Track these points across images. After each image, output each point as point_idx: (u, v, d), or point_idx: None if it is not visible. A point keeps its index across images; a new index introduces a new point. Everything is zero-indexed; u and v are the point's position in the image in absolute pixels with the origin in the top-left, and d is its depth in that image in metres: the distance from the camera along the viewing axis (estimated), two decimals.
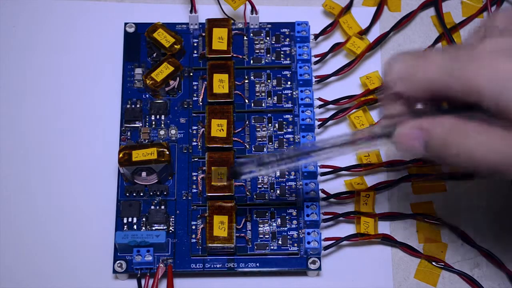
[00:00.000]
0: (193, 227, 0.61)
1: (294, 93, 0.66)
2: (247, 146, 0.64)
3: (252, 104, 0.66)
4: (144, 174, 0.61)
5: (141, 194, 0.62)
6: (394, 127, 0.49)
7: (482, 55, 0.45)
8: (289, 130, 0.64)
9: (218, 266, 0.60)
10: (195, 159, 0.64)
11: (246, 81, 0.66)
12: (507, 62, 0.44)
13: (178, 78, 0.65)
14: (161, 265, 0.60)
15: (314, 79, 0.66)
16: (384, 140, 0.50)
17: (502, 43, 0.45)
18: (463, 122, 0.47)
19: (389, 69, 0.49)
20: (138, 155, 0.61)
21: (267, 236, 0.61)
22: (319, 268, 0.60)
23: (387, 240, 0.61)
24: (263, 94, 0.66)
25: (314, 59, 0.67)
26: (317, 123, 0.64)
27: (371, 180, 0.64)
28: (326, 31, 0.68)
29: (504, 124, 0.45)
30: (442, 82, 0.46)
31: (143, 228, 0.61)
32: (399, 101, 0.49)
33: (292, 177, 0.63)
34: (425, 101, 0.49)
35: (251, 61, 0.67)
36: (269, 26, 0.69)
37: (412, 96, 0.48)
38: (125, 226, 0.61)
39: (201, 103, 0.65)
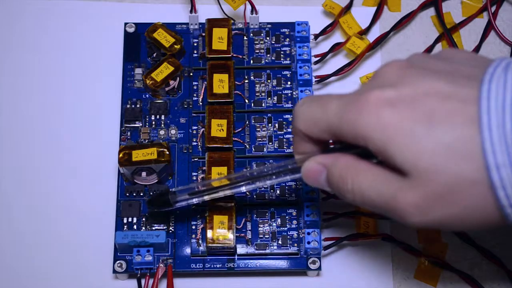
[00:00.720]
0: (193, 227, 0.61)
1: (294, 93, 0.66)
2: (247, 146, 0.64)
3: (252, 104, 0.66)
4: (144, 174, 0.61)
5: (141, 194, 0.62)
6: (302, 163, 0.52)
7: (369, 102, 0.47)
8: (289, 130, 0.64)
9: (218, 266, 0.60)
10: (195, 159, 0.64)
11: (246, 81, 0.66)
12: (390, 113, 0.46)
13: (178, 78, 0.65)
14: (161, 265, 0.60)
15: (314, 79, 0.66)
16: (293, 175, 0.54)
17: (388, 93, 0.47)
18: (358, 160, 0.49)
19: (296, 113, 0.52)
20: (138, 155, 0.61)
21: (267, 236, 0.61)
22: (319, 268, 0.60)
23: (387, 240, 0.62)
24: (263, 94, 0.66)
25: (314, 59, 0.67)
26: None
27: None
28: (326, 31, 0.68)
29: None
30: (336, 126, 0.49)
31: (143, 228, 0.61)
32: (306, 140, 0.52)
33: None
34: (332, 140, 0.52)
35: (251, 61, 0.67)
36: (269, 26, 0.69)
37: (315, 136, 0.51)
38: (125, 226, 0.61)
39: (201, 103, 0.65)
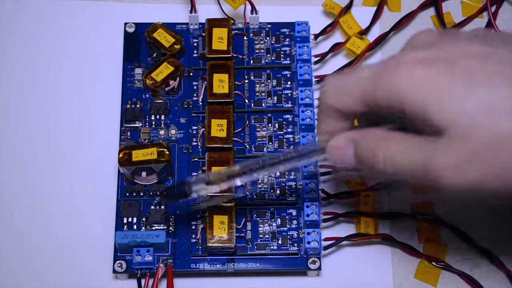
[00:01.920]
0: (193, 227, 0.61)
1: (294, 93, 0.66)
2: (247, 146, 0.64)
3: (252, 104, 0.66)
4: (144, 174, 0.61)
5: (141, 194, 0.62)
6: (327, 142, 0.52)
7: (403, 64, 0.47)
8: (289, 130, 0.64)
9: (218, 266, 0.60)
10: (195, 159, 0.64)
11: (246, 81, 0.66)
12: (426, 72, 0.46)
13: (178, 78, 0.65)
14: (161, 265, 0.60)
15: (314, 79, 0.66)
16: (319, 155, 0.53)
17: (422, 53, 0.47)
18: (387, 132, 0.49)
19: (325, 84, 0.52)
20: (138, 155, 0.61)
21: (267, 236, 0.61)
22: (319, 268, 0.60)
23: (387, 240, 0.62)
24: (263, 94, 0.66)
25: (314, 59, 0.67)
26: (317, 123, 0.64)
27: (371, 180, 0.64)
28: (326, 31, 0.68)
29: (428, 133, 0.47)
30: (369, 92, 0.48)
31: (143, 228, 0.61)
32: (334, 116, 0.52)
33: (292, 177, 0.63)
34: (359, 116, 0.52)
35: (251, 61, 0.67)
36: (269, 26, 0.69)
37: (346, 109, 0.51)
38: (125, 226, 0.61)
39: (201, 103, 0.65)
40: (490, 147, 0.45)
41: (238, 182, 0.56)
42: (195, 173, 0.63)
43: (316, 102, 0.65)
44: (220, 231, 0.60)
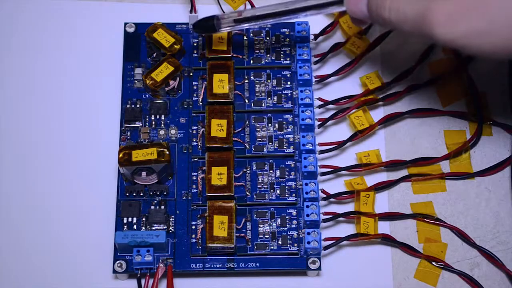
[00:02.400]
0: (193, 227, 0.61)
1: (294, 93, 0.66)
2: (247, 146, 0.64)
3: (252, 104, 0.66)
4: (144, 174, 0.61)
5: (141, 194, 0.62)
6: None
7: None
8: (289, 130, 0.64)
9: (218, 266, 0.60)
10: (195, 159, 0.64)
11: (246, 81, 0.66)
12: None
13: (178, 78, 0.65)
14: (161, 265, 0.60)
15: (314, 79, 0.66)
16: (337, 6, 0.59)
17: None
18: None
19: None
20: (138, 155, 0.61)
21: (267, 236, 0.61)
22: (319, 268, 0.60)
23: (387, 240, 0.62)
24: (263, 94, 0.66)
25: (314, 59, 0.67)
26: (317, 123, 0.64)
27: (371, 180, 0.64)
28: (326, 31, 0.68)
29: None
30: None
31: (143, 228, 0.61)
32: None
33: (292, 177, 0.63)
34: None
35: (251, 61, 0.67)
36: (269, 26, 0.69)
37: None
38: (125, 226, 0.61)
39: (201, 103, 0.65)
40: (481, 4, 0.49)
41: (261, 22, 0.62)
42: (195, 173, 0.63)
43: (316, 102, 0.65)
44: (220, 231, 0.60)
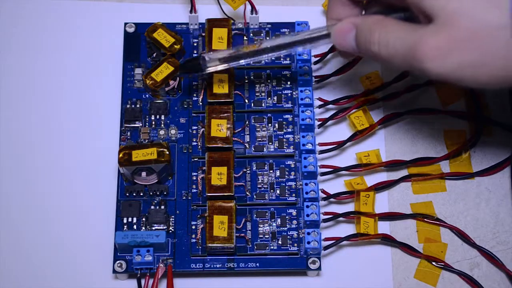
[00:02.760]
0: (193, 227, 0.61)
1: (294, 93, 0.66)
2: (247, 146, 0.64)
3: (252, 104, 0.66)
4: (144, 174, 0.61)
5: (141, 194, 0.62)
6: (333, 27, 0.57)
7: None
8: (289, 130, 0.64)
9: (218, 266, 0.60)
10: (195, 159, 0.64)
11: (246, 81, 0.66)
12: None
13: (178, 78, 0.65)
14: (161, 265, 0.60)
15: (314, 79, 0.66)
16: (325, 39, 0.58)
17: None
18: (387, 18, 0.54)
19: None
20: (138, 155, 0.61)
21: (267, 236, 0.61)
22: (319, 268, 0.60)
23: (387, 240, 0.62)
24: (263, 94, 0.66)
25: (314, 59, 0.67)
26: (317, 123, 0.64)
27: (371, 180, 0.64)
28: None
29: (423, 22, 0.50)
30: None
31: (143, 228, 0.61)
32: (343, 3, 0.57)
33: (292, 177, 0.63)
34: (366, 6, 0.57)
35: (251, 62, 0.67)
36: (269, 26, 0.69)
37: None
38: (125, 226, 0.61)
39: (201, 103, 0.65)
40: (473, 34, 0.48)
41: (249, 60, 0.60)
42: (195, 173, 0.63)
43: (316, 102, 0.65)
44: (220, 231, 0.60)
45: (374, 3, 0.58)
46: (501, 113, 0.66)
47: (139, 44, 0.68)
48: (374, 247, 0.62)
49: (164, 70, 0.65)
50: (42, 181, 0.64)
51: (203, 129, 0.64)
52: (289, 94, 0.66)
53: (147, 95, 0.66)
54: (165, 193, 0.62)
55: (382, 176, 0.64)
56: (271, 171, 0.63)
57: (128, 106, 0.65)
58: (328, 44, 0.59)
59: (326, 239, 0.61)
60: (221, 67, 0.61)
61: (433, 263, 0.61)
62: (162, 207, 0.62)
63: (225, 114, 0.63)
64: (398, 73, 0.67)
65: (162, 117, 0.65)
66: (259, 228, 0.61)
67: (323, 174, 0.63)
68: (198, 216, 0.62)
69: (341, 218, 0.62)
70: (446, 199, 0.64)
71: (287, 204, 0.62)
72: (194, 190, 0.63)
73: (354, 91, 0.66)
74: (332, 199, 0.62)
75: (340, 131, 0.66)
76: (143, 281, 0.59)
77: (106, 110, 0.66)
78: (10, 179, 0.64)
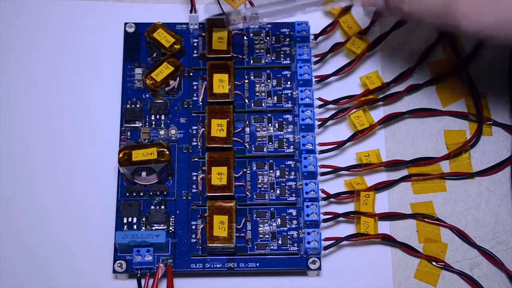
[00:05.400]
0: (193, 227, 0.61)
1: (294, 93, 0.66)
2: (247, 146, 0.64)
3: (252, 104, 0.66)
4: (144, 174, 0.61)
5: (141, 194, 0.62)
6: None
7: None
8: (289, 130, 0.64)
9: (218, 266, 0.60)
10: (195, 159, 0.64)
11: (246, 81, 0.66)
12: None
13: (178, 78, 0.66)
14: (161, 265, 0.60)
15: (314, 79, 0.66)
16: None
17: None
18: None
19: None
20: (138, 155, 0.61)
21: (267, 236, 0.61)
22: (319, 268, 0.60)
23: (387, 240, 0.62)
24: (263, 94, 0.66)
25: (314, 59, 0.67)
26: (317, 123, 0.64)
27: (371, 180, 0.64)
28: (326, 31, 0.68)
29: None
30: None
31: (143, 228, 0.61)
32: None
33: (292, 177, 0.63)
34: None
35: (251, 61, 0.67)
36: (269, 26, 0.69)
37: None
38: (125, 226, 0.61)
39: (201, 103, 0.65)
40: None
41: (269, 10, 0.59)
42: (195, 173, 0.63)
43: (316, 102, 0.65)
44: (220, 231, 0.60)
45: None
46: (501, 113, 0.66)
47: (139, 44, 0.68)
48: (374, 247, 0.62)
49: (164, 70, 0.65)
50: (42, 180, 0.64)
51: (203, 129, 0.64)
52: (289, 94, 0.66)
53: (147, 95, 0.66)
54: (165, 193, 0.62)
55: (382, 176, 0.64)
56: (271, 171, 0.63)
57: (128, 106, 0.65)
58: (354, 1, 0.58)
59: (326, 239, 0.61)
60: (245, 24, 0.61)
61: (433, 263, 0.61)
62: (162, 207, 0.62)
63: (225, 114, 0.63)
64: (398, 73, 0.67)
65: (162, 117, 0.65)
66: (259, 228, 0.61)
67: (323, 174, 0.63)
68: (198, 216, 0.62)
69: (341, 218, 0.62)
70: (446, 199, 0.64)
71: (287, 204, 0.62)
72: (194, 190, 0.63)
73: (354, 91, 0.67)
74: (332, 199, 0.62)
75: (340, 131, 0.66)
76: (143, 281, 0.59)
77: (106, 110, 0.66)
78: (10, 179, 0.64)
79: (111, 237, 0.61)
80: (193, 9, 0.68)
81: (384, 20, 0.65)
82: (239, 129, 0.64)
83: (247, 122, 0.65)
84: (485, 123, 0.66)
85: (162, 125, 0.65)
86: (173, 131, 0.64)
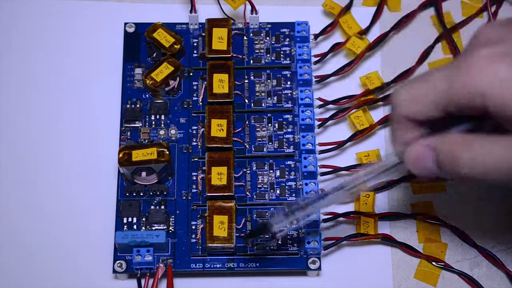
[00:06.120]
0: (193, 227, 0.61)
1: (294, 93, 0.66)
2: (247, 146, 0.64)
3: (252, 104, 0.66)
4: (144, 174, 0.61)
5: (141, 194, 0.62)
6: (404, 153, 0.50)
7: (479, 60, 0.46)
8: (289, 130, 0.64)
9: (218, 266, 0.60)
10: (195, 159, 0.64)
11: (246, 81, 0.66)
12: (507, 67, 0.45)
13: (178, 78, 0.66)
14: (161, 265, 0.60)
15: (314, 79, 0.66)
16: (398, 168, 0.52)
17: (497, 49, 0.46)
18: (468, 135, 0.48)
19: (395, 96, 0.50)
20: (138, 155, 0.61)
21: (267, 236, 0.61)
22: (319, 268, 0.60)
23: (387, 240, 0.62)
24: (263, 94, 0.66)
25: (314, 59, 0.67)
26: (317, 123, 0.64)
27: None
28: (326, 31, 0.68)
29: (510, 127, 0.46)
30: (446, 94, 0.47)
31: (143, 228, 0.61)
32: (408, 126, 0.50)
33: (292, 177, 0.63)
34: (434, 122, 0.50)
35: (251, 61, 0.67)
36: (269, 26, 0.69)
37: (422, 117, 0.49)
38: (125, 226, 0.61)
39: (201, 103, 0.65)
40: None
41: (313, 209, 0.55)
42: (195, 173, 0.63)
43: (316, 102, 0.65)
44: (220, 231, 0.60)
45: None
46: None
47: (139, 44, 0.68)
48: (374, 247, 0.62)
49: (164, 70, 0.65)
50: (42, 181, 0.64)
51: (203, 129, 0.64)
52: (289, 94, 0.66)
53: (147, 95, 0.66)
54: (165, 193, 0.62)
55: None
56: (271, 171, 0.63)
57: (128, 106, 0.65)
58: (403, 171, 0.54)
59: (326, 239, 0.61)
60: (288, 221, 0.56)
61: (433, 263, 0.61)
62: (162, 207, 0.62)
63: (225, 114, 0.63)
64: (398, 73, 0.67)
65: (162, 117, 0.65)
66: None
67: (323, 174, 0.63)
68: (198, 216, 0.62)
69: (341, 218, 0.62)
70: (446, 199, 0.64)
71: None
72: (194, 190, 0.63)
73: (354, 91, 0.67)
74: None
75: (340, 131, 0.66)
76: (143, 281, 0.59)
77: (106, 110, 0.66)
78: (10, 179, 0.64)
79: (111, 237, 0.61)
80: (193, 9, 0.68)
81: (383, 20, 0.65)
82: (239, 129, 0.64)
83: (247, 122, 0.65)
84: None
85: (162, 125, 0.65)
86: (173, 131, 0.64)
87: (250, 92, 0.66)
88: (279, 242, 0.61)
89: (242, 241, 0.60)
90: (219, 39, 0.66)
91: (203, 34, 0.67)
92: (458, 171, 0.47)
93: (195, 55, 0.67)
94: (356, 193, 0.55)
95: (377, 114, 0.66)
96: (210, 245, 0.59)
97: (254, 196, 0.62)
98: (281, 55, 0.67)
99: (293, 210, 0.55)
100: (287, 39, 0.68)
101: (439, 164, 0.49)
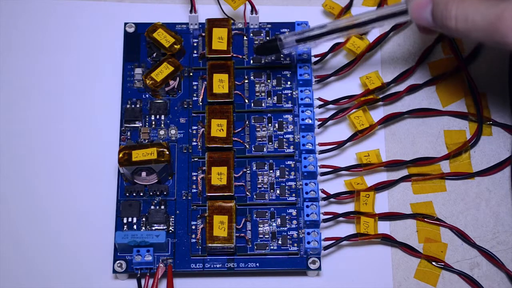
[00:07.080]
0: (193, 227, 0.61)
1: (294, 93, 0.66)
2: (247, 146, 0.64)
3: (252, 104, 0.66)
4: (144, 174, 0.61)
5: (141, 194, 0.62)
6: (410, 1, 0.57)
7: None
8: (289, 130, 0.64)
9: (218, 266, 0.60)
10: (195, 159, 0.64)
11: (246, 81, 0.66)
12: None
13: (178, 78, 0.66)
14: (161, 265, 0.60)
15: (314, 79, 0.66)
16: (402, 16, 0.59)
17: None
18: None
19: None
20: (138, 155, 0.61)
21: (267, 236, 0.61)
22: (319, 268, 0.60)
23: (387, 240, 0.62)
24: (263, 94, 0.66)
25: (314, 59, 0.67)
26: (317, 123, 0.64)
27: (371, 180, 0.64)
28: None
29: None
30: None
31: (143, 228, 0.61)
32: None
33: (292, 177, 0.63)
34: None
35: (251, 61, 0.67)
36: (269, 26, 0.69)
37: None
38: (125, 226, 0.61)
39: (201, 103, 0.65)
40: None
41: (324, 39, 0.62)
42: (195, 173, 0.63)
43: (316, 102, 0.65)
44: (220, 231, 0.60)
45: None
46: (501, 113, 0.66)
47: (139, 44, 0.68)
48: (374, 247, 0.62)
49: (164, 70, 0.65)
50: (42, 181, 0.64)
51: (203, 129, 0.64)
52: (289, 94, 0.66)
53: (147, 95, 0.66)
54: (165, 193, 0.62)
55: (382, 176, 0.64)
56: (271, 171, 0.63)
57: (128, 106, 0.65)
58: (405, 19, 0.60)
59: (326, 239, 0.61)
60: (297, 47, 0.63)
61: (433, 263, 0.61)
62: (162, 207, 0.62)
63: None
64: (398, 73, 0.67)
65: (162, 117, 0.65)
66: (259, 228, 0.61)
67: (323, 174, 0.63)
68: (198, 216, 0.62)
69: (341, 218, 0.62)
70: (446, 199, 0.64)
71: (287, 204, 0.62)
72: (194, 190, 0.63)
73: (354, 91, 0.67)
74: (332, 199, 0.62)
75: (340, 131, 0.66)
76: (143, 281, 0.59)
77: (106, 110, 0.66)
78: (10, 179, 0.64)
79: (111, 237, 0.61)
80: (193, 9, 0.68)
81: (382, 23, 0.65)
82: (239, 129, 0.64)
83: (247, 122, 0.65)
84: (485, 123, 0.66)
85: (162, 125, 0.65)
86: (173, 131, 0.64)
87: (250, 92, 0.66)
88: (279, 242, 0.61)
89: (253, 53, 0.65)
90: (219, 39, 0.66)
91: (203, 34, 0.67)
92: (447, 23, 0.54)
93: (195, 55, 0.67)
94: (353, 32, 0.61)
95: (377, 114, 0.66)
96: (210, 245, 0.59)
97: (254, 196, 0.62)
98: (281, 55, 0.67)
99: (305, 38, 0.61)
100: None
101: (433, 13, 0.55)
